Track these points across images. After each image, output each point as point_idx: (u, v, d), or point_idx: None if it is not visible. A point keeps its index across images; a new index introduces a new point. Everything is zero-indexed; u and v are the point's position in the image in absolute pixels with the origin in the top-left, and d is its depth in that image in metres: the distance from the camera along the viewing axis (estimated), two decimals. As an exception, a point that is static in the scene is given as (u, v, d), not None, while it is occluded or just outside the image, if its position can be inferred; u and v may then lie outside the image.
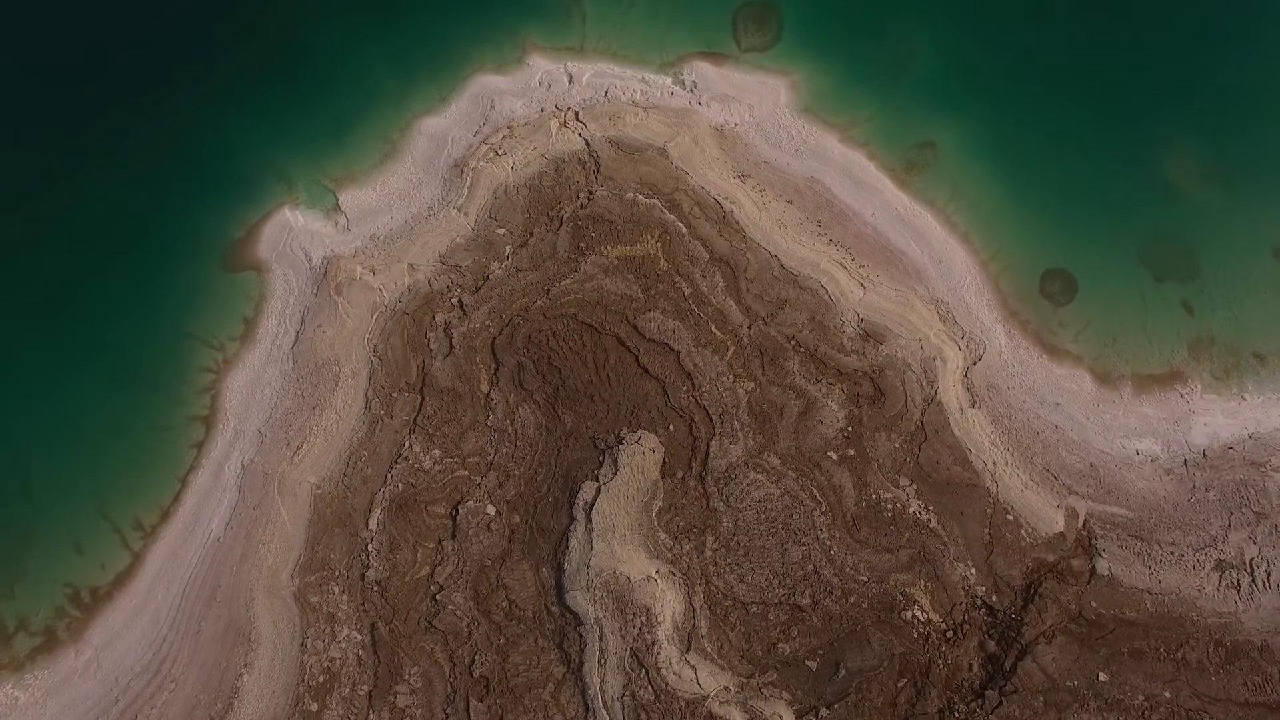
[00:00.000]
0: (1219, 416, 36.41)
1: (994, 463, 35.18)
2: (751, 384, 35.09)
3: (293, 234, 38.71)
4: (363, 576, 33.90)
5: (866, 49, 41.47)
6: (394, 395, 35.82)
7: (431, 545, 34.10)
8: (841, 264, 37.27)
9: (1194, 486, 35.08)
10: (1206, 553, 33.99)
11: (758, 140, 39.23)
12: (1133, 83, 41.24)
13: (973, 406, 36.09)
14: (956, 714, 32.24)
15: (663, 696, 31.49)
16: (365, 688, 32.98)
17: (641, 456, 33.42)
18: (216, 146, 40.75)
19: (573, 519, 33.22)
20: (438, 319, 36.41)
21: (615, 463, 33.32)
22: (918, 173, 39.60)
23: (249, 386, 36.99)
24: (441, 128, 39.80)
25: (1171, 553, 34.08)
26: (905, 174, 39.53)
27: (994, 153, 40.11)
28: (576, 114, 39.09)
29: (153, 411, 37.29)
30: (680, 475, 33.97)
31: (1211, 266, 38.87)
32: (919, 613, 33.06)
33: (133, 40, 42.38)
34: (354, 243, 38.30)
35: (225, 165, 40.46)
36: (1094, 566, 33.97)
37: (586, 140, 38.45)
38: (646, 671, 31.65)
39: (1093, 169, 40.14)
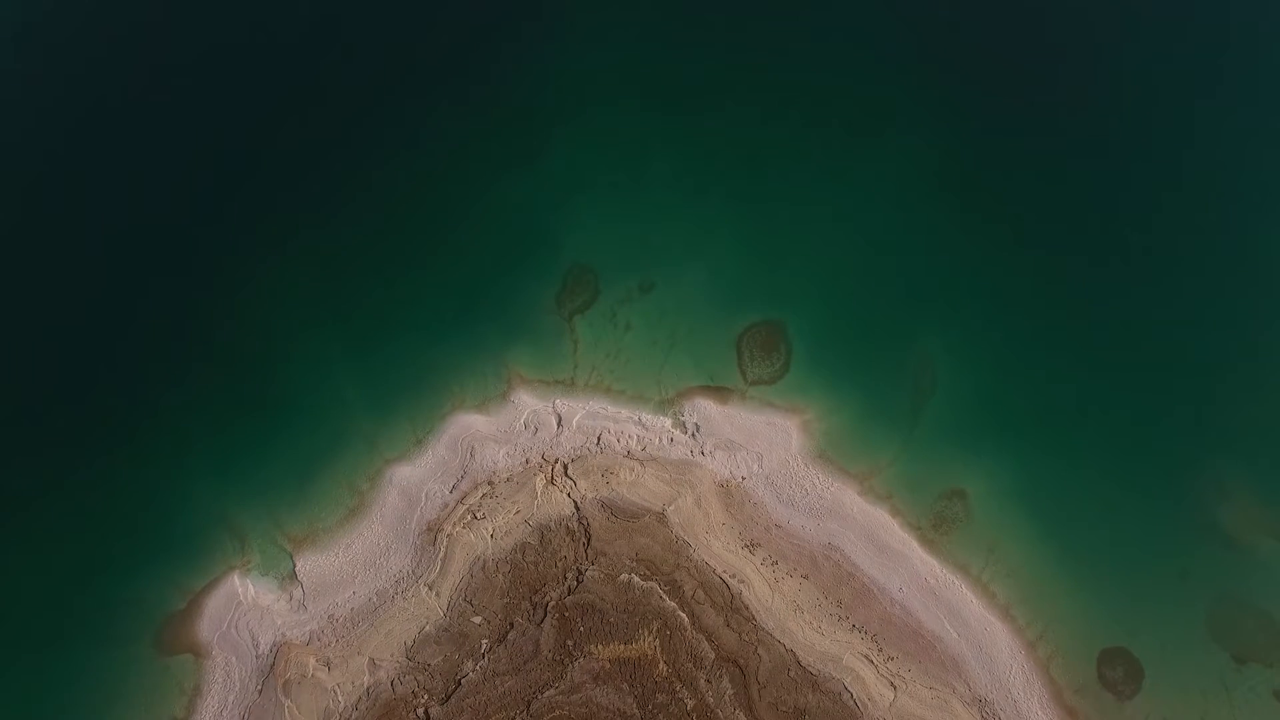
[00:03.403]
0: None
1: None
2: (769, 831, 29.44)
3: (240, 609, 33.97)
4: None
5: (883, 377, 38.05)
6: (342, 838, 30.12)
7: None
8: (867, 656, 32.27)
9: None
10: None
11: (768, 497, 35.07)
12: (1175, 410, 37.60)
13: (1033, 847, 30.25)
14: None
15: None
16: None
17: None
18: (165, 490, 36.67)
19: None
20: (399, 738, 31.14)
21: None
22: (947, 531, 35.21)
23: (169, 822, 31.33)
24: (415, 479, 35.78)
25: None
26: (934, 533, 35.14)
27: (1031, 501, 35.91)
28: (565, 468, 35.12)
29: None
30: None
31: (1298, 641, 33.83)
32: None
33: (84, 354, 39.29)
34: (309, 624, 33.48)
35: (173, 514, 36.23)
36: None
37: (576, 502, 34.28)
38: None
39: (1142, 518, 35.76)
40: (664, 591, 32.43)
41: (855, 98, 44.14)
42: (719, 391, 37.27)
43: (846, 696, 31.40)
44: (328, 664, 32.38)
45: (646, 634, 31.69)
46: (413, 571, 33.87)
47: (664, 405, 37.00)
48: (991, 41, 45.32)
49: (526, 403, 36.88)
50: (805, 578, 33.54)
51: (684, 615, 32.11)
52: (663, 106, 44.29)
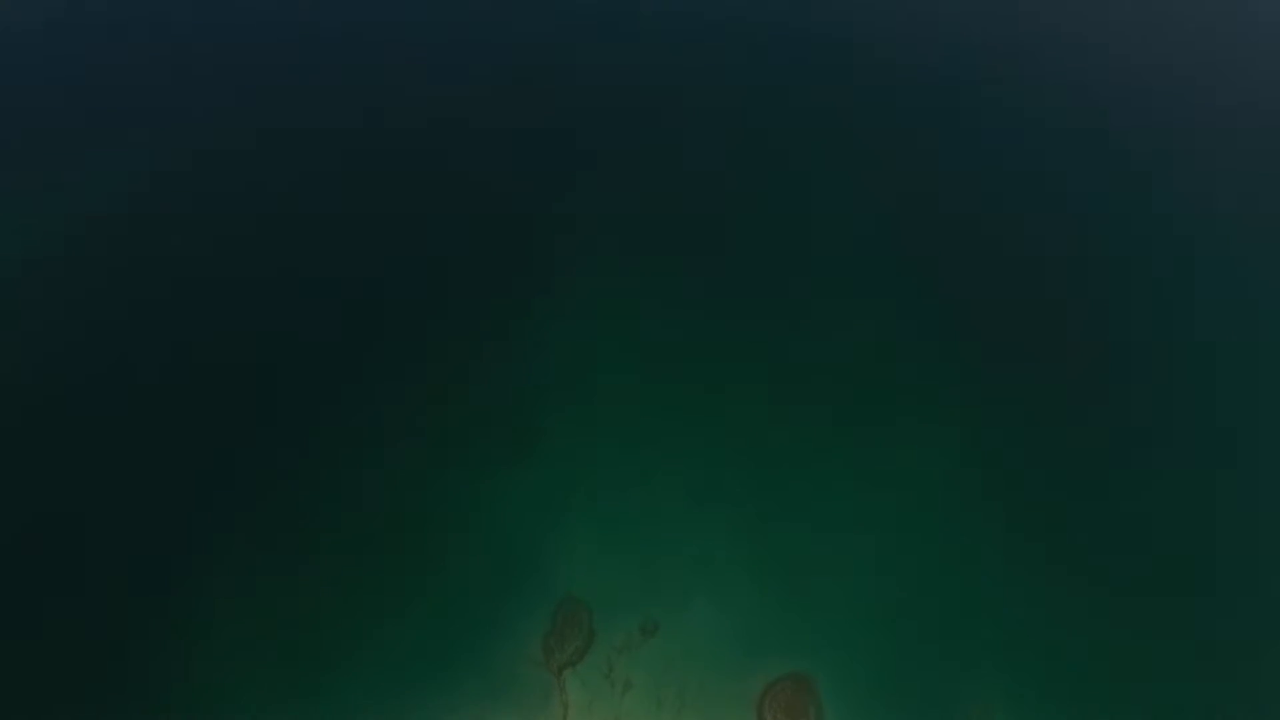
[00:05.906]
0: None
1: None
2: None
3: None
4: None
5: (934, 748, 31.51)
6: None
7: None
8: None
9: None
10: None
11: None
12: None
13: None
14: None
15: None
16: None
17: None
18: None
19: None
20: None
21: None
22: None
23: None
24: None
25: None
26: None
27: None
28: None
29: None
30: None
31: None
32: None
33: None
34: None
35: None
36: None
37: None
38: None
39: None
40: None
41: (881, 379, 40.92)
42: (739, 783, 30.59)
43: None
44: None
45: None
46: None
47: (673, 806, 30.18)
48: (1037, 308, 42.40)
49: (504, 808, 30.10)
50: None
51: None
52: (665, 392, 41.19)
